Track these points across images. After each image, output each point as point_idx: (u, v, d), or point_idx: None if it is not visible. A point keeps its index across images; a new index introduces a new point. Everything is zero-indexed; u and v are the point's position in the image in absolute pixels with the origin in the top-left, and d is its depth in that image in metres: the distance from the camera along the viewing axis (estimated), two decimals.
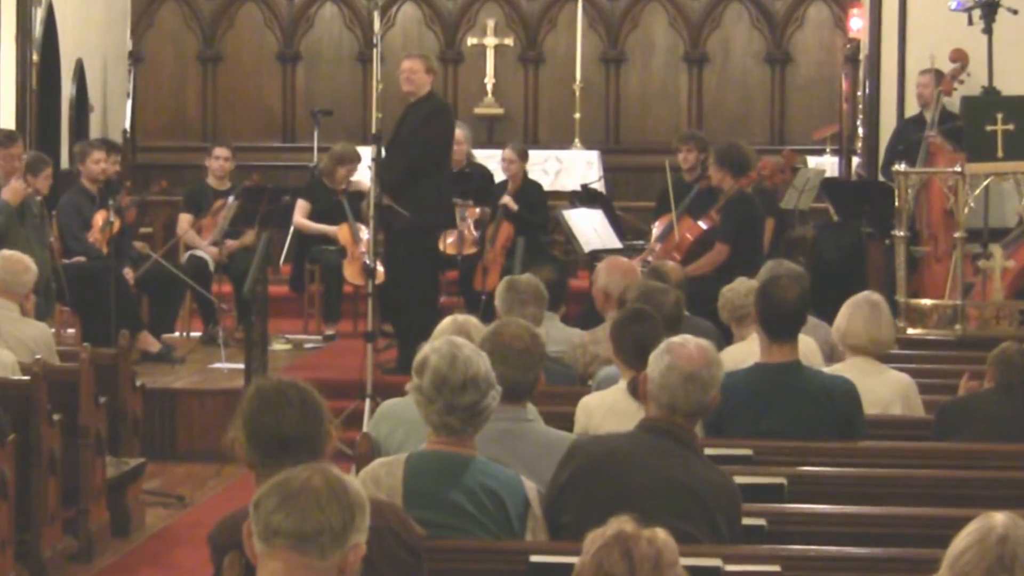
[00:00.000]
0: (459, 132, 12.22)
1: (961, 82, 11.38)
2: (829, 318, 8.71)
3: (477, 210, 11.99)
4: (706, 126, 15.05)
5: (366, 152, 11.07)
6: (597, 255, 10.37)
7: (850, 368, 6.32)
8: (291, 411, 3.68)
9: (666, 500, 4.25)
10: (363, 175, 11.85)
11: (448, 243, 11.74)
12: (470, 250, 11.86)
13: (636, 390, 5.44)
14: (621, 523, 2.96)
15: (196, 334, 11.79)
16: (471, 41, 15.90)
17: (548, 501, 4.40)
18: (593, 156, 14.89)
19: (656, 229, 10.76)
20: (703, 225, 10.39)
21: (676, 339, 4.53)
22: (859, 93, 13.07)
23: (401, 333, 10.32)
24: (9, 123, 11.98)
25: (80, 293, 10.30)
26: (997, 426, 5.81)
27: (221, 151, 12.18)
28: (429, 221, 10.28)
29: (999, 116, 9.86)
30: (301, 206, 12.16)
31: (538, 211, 12.31)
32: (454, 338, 4.48)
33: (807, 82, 15.84)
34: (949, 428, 5.88)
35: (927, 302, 9.92)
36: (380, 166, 10.23)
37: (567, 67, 15.63)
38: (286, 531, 2.81)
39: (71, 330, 10.66)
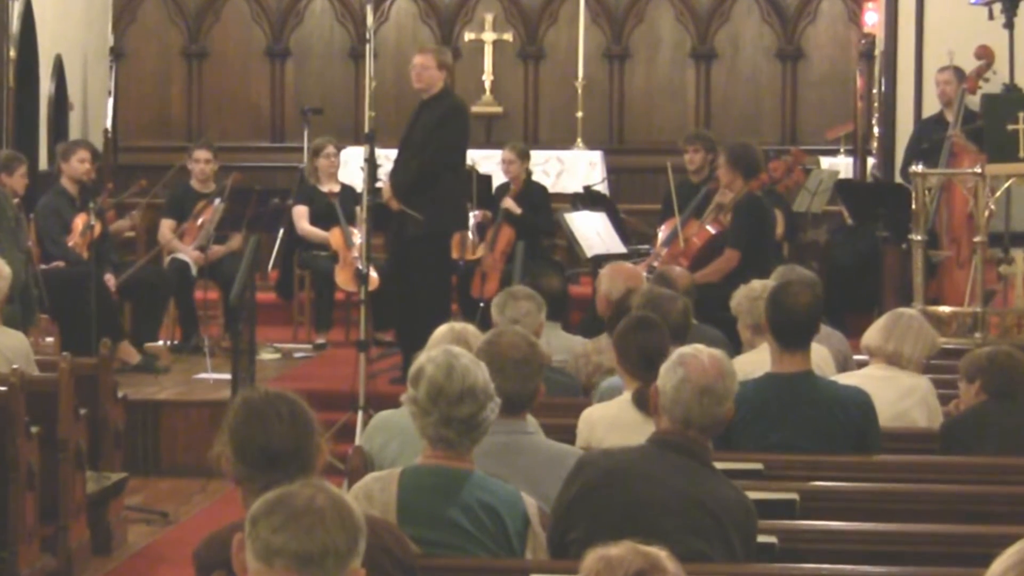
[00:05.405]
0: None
1: (987, 80, 11.39)
2: (843, 326, 8.75)
3: (478, 213, 12.00)
4: (714, 125, 15.06)
5: (359, 152, 11.07)
6: (600, 260, 10.37)
7: (865, 375, 6.33)
8: (280, 424, 3.68)
9: (679, 517, 4.25)
10: (355, 175, 11.87)
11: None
12: (476, 254, 11.87)
13: (641, 401, 5.46)
14: (629, 563, 2.95)
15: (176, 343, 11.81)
16: (468, 36, 15.92)
17: (555, 517, 4.40)
18: (596, 157, 14.90)
19: (662, 233, 10.76)
20: (711, 229, 10.38)
21: (688, 350, 4.52)
22: (874, 91, 13.09)
23: (409, 342, 10.25)
24: None
25: (59, 300, 10.30)
26: (1015, 439, 5.82)
27: (201, 153, 12.18)
28: (443, 226, 10.24)
29: (1021, 115, 9.87)
30: (301, 212, 12.17)
31: (542, 215, 12.32)
32: (451, 347, 4.48)
33: (820, 79, 15.86)
34: (957, 448, 5.88)
35: (946, 309, 9.93)
36: (393, 168, 10.23)
37: (569, 64, 15.64)
38: (289, 552, 2.80)
39: (50, 339, 10.66)
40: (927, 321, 6.76)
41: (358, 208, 11.01)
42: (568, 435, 5.57)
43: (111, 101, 15.25)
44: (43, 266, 10.59)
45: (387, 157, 10.95)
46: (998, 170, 9.82)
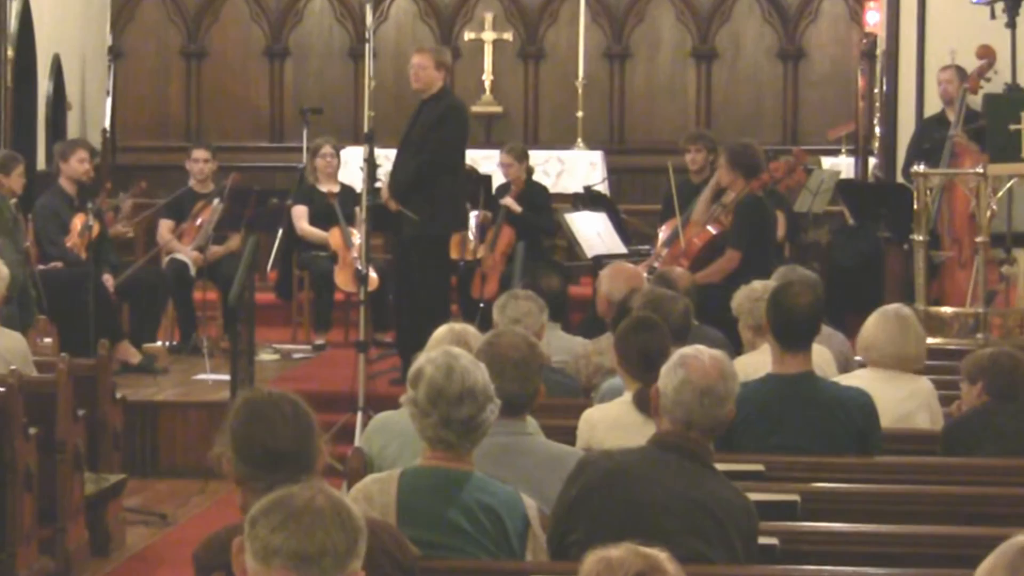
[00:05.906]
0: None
1: (988, 79, 11.40)
2: (844, 327, 8.75)
3: (479, 213, 11.99)
4: (715, 125, 15.07)
5: (358, 152, 11.08)
6: (601, 261, 10.38)
7: (867, 377, 6.33)
8: (284, 425, 3.68)
9: (679, 518, 4.26)
10: (355, 175, 11.86)
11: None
12: (476, 255, 11.87)
13: (642, 402, 5.46)
14: (629, 565, 2.95)
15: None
16: (468, 36, 15.91)
17: (556, 518, 4.40)
18: (596, 157, 14.90)
19: (662, 234, 10.75)
20: (712, 230, 10.38)
21: (689, 351, 4.52)
22: (876, 90, 13.09)
23: (408, 344, 10.24)
24: None
25: (58, 301, 10.30)
26: (1017, 440, 5.81)
27: (200, 153, 12.21)
28: (441, 227, 10.22)
29: (1023, 115, 9.87)
30: (300, 212, 12.17)
31: (543, 215, 12.31)
32: (451, 348, 4.48)
33: (821, 79, 15.86)
34: (959, 449, 5.88)
35: (948, 310, 9.94)
36: (392, 168, 10.21)
37: (569, 63, 15.64)
38: (288, 551, 2.81)
39: (48, 340, 10.66)
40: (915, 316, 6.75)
41: (357, 208, 11.02)
42: (568, 436, 5.57)
43: (109, 101, 15.26)
44: (41, 267, 10.59)
45: (387, 157, 10.95)
46: (1000, 170, 9.83)
